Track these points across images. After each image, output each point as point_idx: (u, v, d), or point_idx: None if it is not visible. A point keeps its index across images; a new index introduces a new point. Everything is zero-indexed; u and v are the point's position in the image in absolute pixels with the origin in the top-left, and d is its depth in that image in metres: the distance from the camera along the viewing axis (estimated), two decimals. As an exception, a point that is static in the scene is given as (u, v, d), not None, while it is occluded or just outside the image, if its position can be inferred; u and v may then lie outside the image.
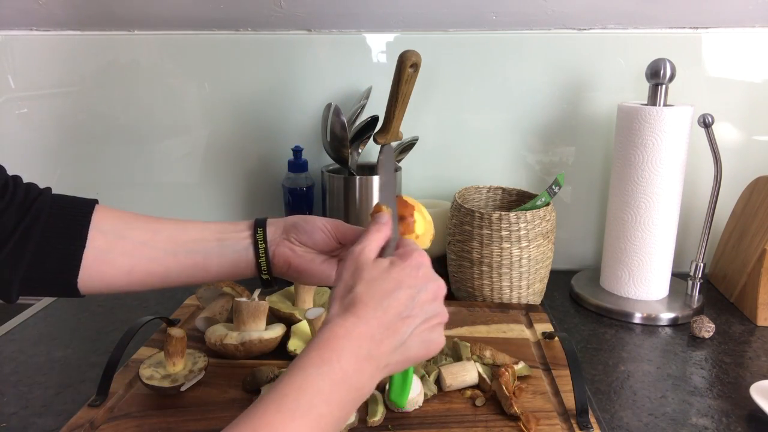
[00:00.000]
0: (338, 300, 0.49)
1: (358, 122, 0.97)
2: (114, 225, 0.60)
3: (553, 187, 0.91)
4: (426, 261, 0.52)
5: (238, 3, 1.00)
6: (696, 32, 1.00)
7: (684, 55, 0.98)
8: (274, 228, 0.63)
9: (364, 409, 0.64)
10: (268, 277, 0.63)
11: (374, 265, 0.50)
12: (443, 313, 0.51)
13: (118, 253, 0.59)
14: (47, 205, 0.58)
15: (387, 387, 0.51)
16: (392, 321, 0.47)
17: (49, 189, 0.60)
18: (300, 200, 1.03)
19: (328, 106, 0.94)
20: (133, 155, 1.12)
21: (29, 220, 0.56)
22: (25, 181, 0.59)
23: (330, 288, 0.83)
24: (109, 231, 0.59)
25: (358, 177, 0.95)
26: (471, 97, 1.05)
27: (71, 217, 0.58)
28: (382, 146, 0.70)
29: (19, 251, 0.55)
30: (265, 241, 0.62)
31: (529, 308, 0.89)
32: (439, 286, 0.51)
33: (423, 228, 0.63)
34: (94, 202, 0.61)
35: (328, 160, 1.01)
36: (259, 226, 0.62)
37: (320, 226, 0.62)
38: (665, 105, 0.89)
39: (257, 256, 0.62)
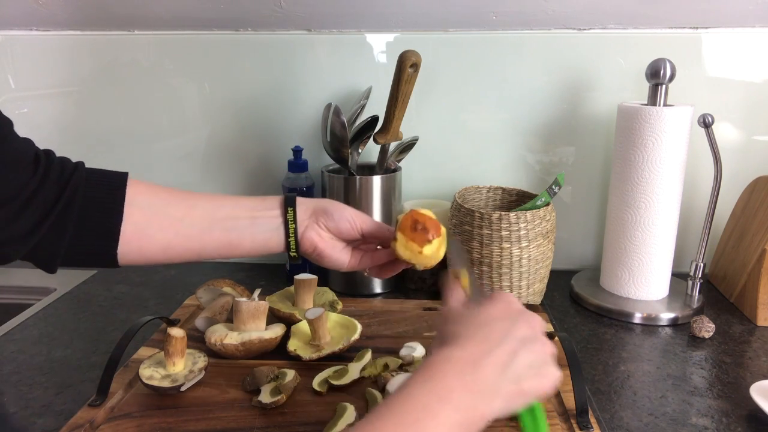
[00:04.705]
0: (437, 340, 0.50)
1: (358, 122, 0.97)
2: (150, 200, 0.62)
3: (553, 187, 0.91)
4: (516, 300, 0.53)
5: (238, 3, 1.00)
6: (696, 32, 1.00)
7: (684, 55, 0.98)
8: (303, 208, 0.65)
9: (365, 409, 0.64)
10: (296, 255, 0.66)
11: (464, 307, 0.52)
12: (547, 342, 0.49)
13: (155, 229, 0.61)
14: (83, 180, 0.59)
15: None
16: (491, 348, 0.46)
17: (82, 163, 0.61)
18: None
19: (328, 106, 0.94)
20: (133, 155, 1.12)
21: (68, 196, 0.57)
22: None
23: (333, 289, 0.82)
24: (145, 206, 0.61)
25: (358, 177, 0.95)
26: (471, 97, 1.05)
27: (107, 193, 0.60)
28: (450, 241, 0.66)
29: (60, 226, 0.56)
30: (295, 221, 0.64)
31: (529, 308, 0.89)
32: (535, 318, 0.51)
33: (439, 248, 0.63)
34: (126, 175, 0.62)
35: (328, 160, 1.00)
36: (289, 206, 0.64)
37: (347, 217, 0.65)
38: (665, 105, 0.89)
39: (287, 235, 0.64)
